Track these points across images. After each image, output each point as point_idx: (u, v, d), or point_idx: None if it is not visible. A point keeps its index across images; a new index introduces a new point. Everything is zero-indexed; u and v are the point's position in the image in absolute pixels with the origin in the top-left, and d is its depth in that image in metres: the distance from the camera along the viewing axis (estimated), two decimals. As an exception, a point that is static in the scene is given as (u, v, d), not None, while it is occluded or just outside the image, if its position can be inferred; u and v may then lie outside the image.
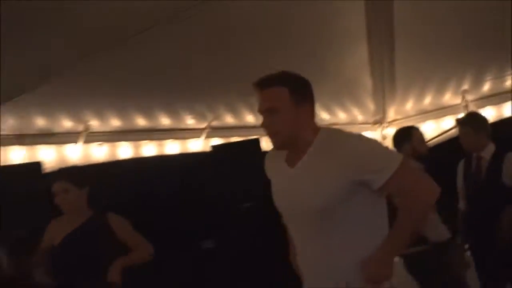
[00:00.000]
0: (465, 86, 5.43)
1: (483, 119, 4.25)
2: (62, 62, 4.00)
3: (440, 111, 5.80)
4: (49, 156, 4.84)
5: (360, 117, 5.90)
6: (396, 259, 2.68)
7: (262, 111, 2.20)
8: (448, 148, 5.43)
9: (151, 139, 5.19)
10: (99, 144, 5.05)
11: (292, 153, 2.23)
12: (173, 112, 5.03)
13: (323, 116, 5.55)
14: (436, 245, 3.76)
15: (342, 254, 2.13)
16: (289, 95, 2.16)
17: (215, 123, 5.27)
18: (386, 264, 2.11)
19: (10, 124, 4.64)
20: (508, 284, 4.16)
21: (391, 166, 2.07)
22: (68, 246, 3.49)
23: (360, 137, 2.31)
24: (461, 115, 5.29)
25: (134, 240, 3.53)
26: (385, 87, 5.43)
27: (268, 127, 2.20)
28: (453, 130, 5.41)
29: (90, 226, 3.48)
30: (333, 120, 5.71)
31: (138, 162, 5.12)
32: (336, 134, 2.25)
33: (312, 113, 2.25)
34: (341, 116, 5.76)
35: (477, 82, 5.42)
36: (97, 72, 4.24)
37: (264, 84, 2.19)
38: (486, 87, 5.44)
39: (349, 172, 2.07)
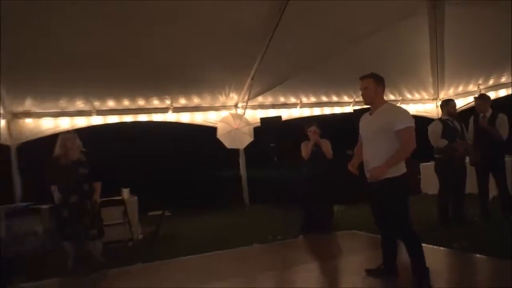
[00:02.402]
0: (480, 81, 9.46)
1: (487, 96, 6.54)
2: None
3: (465, 94, 10.04)
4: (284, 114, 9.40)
5: (425, 96, 10.51)
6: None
7: (361, 89, 4.01)
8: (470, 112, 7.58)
9: (328, 106, 9.99)
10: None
11: (372, 110, 4.01)
12: (338, 91, 9.75)
13: (407, 95, 10.20)
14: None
15: (379, 155, 3.85)
16: (373, 82, 3.95)
17: (357, 99, 9.79)
18: (383, 170, 3.78)
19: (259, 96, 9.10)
20: None
21: (404, 125, 3.75)
22: None
23: (399, 108, 4.04)
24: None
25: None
26: (439, 81, 9.92)
27: (363, 96, 4.02)
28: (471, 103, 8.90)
29: None
30: (412, 98, 10.39)
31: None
32: (391, 105, 4.03)
33: (382, 92, 4.00)
34: (416, 95, 10.45)
35: (487, 77, 9.28)
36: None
37: (363, 77, 4.01)
38: (491, 81, 9.43)
39: (388, 121, 3.80)
